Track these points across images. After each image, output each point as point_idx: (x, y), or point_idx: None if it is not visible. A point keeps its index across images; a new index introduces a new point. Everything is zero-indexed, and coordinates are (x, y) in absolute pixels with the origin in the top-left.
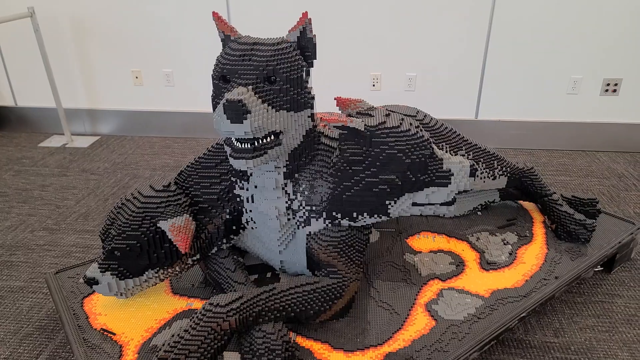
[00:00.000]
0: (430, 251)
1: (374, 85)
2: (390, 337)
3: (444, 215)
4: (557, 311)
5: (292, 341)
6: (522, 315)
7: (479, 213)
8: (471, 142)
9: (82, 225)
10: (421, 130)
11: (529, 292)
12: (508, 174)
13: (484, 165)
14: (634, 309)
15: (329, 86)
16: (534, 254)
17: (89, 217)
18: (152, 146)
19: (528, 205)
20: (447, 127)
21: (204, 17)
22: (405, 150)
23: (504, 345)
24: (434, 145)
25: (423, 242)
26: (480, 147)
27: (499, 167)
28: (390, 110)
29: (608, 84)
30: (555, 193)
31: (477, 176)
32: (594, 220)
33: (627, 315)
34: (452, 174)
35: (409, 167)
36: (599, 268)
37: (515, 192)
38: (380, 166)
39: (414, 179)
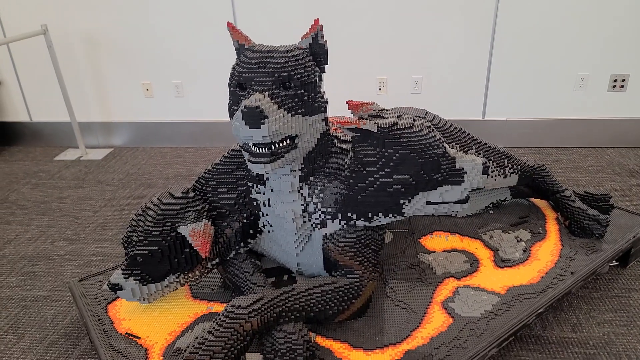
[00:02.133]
0: (444, 250)
1: (380, 89)
2: (409, 335)
3: (456, 214)
4: (574, 307)
5: (312, 340)
6: (539, 311)
7: (491, 212)
8: (481, 142)
9: (101, 234)
10: (433, 130)
11: (545, 288)
12: (519, 172)
13: (494, 163)
14: None
15: (336, 91)
16: (548, 250)
17: (106, 227)
18: (164, 156)
19: (539, 202)
20: (456, 127)
21: (211, 28)
22: (418, 150)
23: (522, 342)
24: (446, 145)
25: (436, 241)
26: (490, 146)
27: (510, 165)
28: (401, 112)
29: (615, 80)
30: (567, 189)
31: (489, 174)
32: (607, 216)
33: None
34: (465, 172)
35: (422, 166)
36: (614, 263)
37: (527, 190)
38: (394, 166)
39: (427, 178)
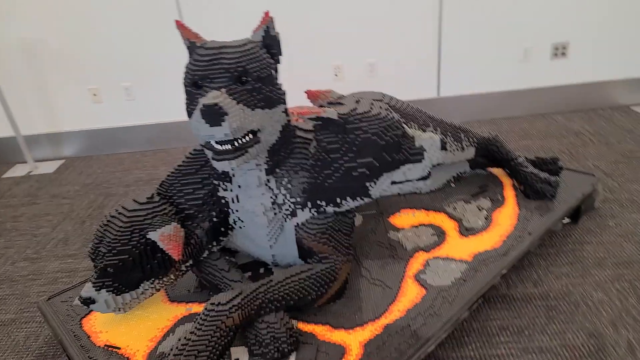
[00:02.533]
0: (412, 226)
1: (336, 75)
2: (386, 309)
3: (420, 191)
4: (533, 264)
5: (294, 327)
6: (503, 272)
7: (453, 185)
8: (437, 119)
9: (63, 250)
10: (391, 112)
11: (507, 251)
12: (475, 144)
13: (452, 138)
14: (602, 252)
15: (292, 81)
16: (507, 215)
17: (68, 242)
18: (121, 162)
19: (496, 171)
20: (413, 107)
21: (156, 26)
22: (379, 132)
23: (490, 302)
24: (404, 125)
25: (404, 219)
26: (446, 122)
27: (466, 138)
28: (359, 97)
29: (557, 48)
30: (520, 156)
31: (447, 149)
32: (557, 177)
33: (597, 259)
34: (425, 150)
35: (384, 148)
36: (567, 220)
37: (484, 161)
38: (357, 151)
39: (389, 159)
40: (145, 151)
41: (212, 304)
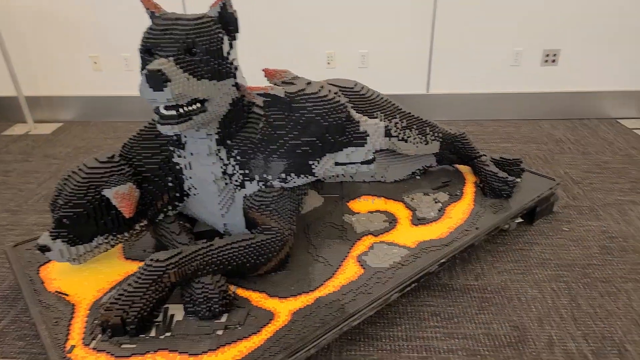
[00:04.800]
0: (368, 212)
1: (328, 64)
2: (322, 284)
3: (385, 179)
4: (480, 259)
5: (229, 291)
6: (442, 261)
7: (418, 177)
8: (405, 111)
9: (43, 205)
10: (339, 95)
11: (451, 242)
12: (440, 139)
13: (416, 131)
14: (549, 253)
15: (284, 65)
16: (461, 209)
17: (50, 198)
18: (115, 130)
19: (463, 168)
20: (382, 98)
21: (158, 3)
22: (323, 113)
23: (429, 289)
24: (350, 109)
25: (363, 204)
26: (413, 115)
27: (431, 132)
28: (330, 84)
29: (547, 55)
30: (484, 155)
31: (409, 141)
32: (515, 178)
33: (541, 259)
34: (368, 135)
35: (327, 129)
36: (520, 220)
37: (452, 157)
38: (301, 129)
39: (332, 140)
40: (139, 121)
41: (151, 259)
